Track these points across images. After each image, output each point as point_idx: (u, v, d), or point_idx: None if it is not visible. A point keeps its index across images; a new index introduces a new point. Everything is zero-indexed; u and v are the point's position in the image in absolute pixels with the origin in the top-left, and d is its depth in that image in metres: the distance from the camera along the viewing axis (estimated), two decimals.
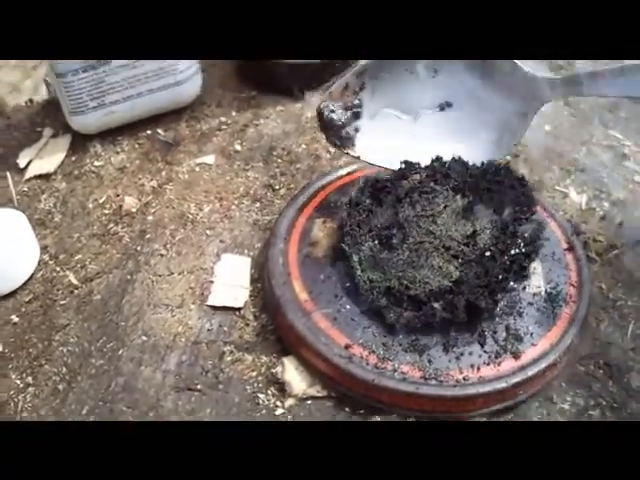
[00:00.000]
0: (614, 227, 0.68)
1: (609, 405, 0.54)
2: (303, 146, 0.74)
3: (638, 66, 0.53)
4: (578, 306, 0.57)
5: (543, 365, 0.53)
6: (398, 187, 0.59)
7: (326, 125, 0.60)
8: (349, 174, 0.67)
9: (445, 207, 0.58)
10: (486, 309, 0.53)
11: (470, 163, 0.61)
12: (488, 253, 0.55)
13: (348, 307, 0.55)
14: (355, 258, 0.55)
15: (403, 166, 0.61)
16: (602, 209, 0.70)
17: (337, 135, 0.60)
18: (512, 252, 0.55)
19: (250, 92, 0.82)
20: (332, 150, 0.74)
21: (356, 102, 0.60)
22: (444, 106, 0.61)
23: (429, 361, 0.52)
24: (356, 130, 0.60)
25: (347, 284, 0.57)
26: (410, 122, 0.62)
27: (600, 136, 0.80)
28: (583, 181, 0.74)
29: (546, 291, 0.58)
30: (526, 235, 0.56)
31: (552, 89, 0.57)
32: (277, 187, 0.70)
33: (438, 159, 0.62)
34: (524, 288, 0.57)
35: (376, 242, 0.56)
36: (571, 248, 0.62)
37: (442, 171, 0.61)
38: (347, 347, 0.53)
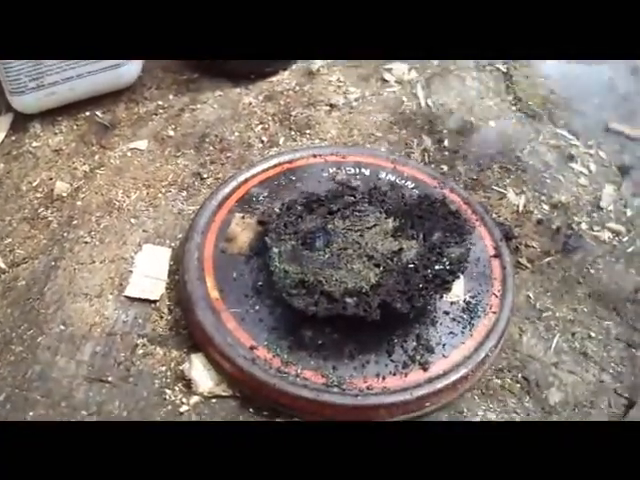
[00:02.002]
0: (550, 232, 0.62)
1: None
2: (236, 134, 0.69)
3: None
4: (498, 317, 0.52)
5: (452, 378, 0.48)
6: (332, 203, 0.55)
7: None
8: (275, 166, 0.61)
9: (375, 226, 0.53)
10: (401, 312, 0.47)
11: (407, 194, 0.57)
12: (411, 265, 0.50)
13: (257, 307, 0.51)
14: (275, 250, 0.51)
15: (342, 189, 0.57)
16: (540, 212, 0.64)
17: None
18: (436, 267, 0.50)
19: (191, 74, 0.75)
20: (264, 139, 0.68)
21: None
22: None
23: (333, 367, 0.48)
24: None
25: (259, 283, 0.52)
26: None
27: (547, 135, 0.73)
28: (523, 181, 0.67)
29: (465, 300, 0.53)
30: (453, 256, 0.50)
31: None
32: (205, 176, 0.64)
33: (376, 187, 0.57)
34: (442, 296, 0.51)
35: (299, 242, 0.52)
36: (498, 255, 0.56)
37: (378, 197, 0.56)
38: (252, 349, 0.49)
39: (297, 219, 0.53)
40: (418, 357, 0.49)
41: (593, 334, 0.55)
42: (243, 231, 0.56)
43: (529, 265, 0.59)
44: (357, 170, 0.61)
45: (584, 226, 0.63)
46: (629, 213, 0.64)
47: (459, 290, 0.53)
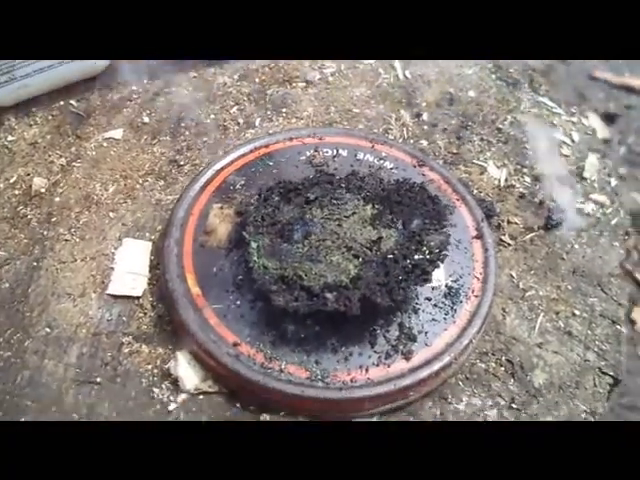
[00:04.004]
0: (533, 206, 0.59)
1: (507, 405, 0.48)
2: (212, 116, 0.66)
3: None
4: (480, 302, 0.50)
5: (436, 367, 0.47)
6: (309, 191, 0.53)
7: None
8: (252, 151, 0.59)
9: (353, 214, 0.51)
10: (382, 306, 0.46)
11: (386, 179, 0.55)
12: (391, 256, 0.48)
13: (238, 303, 0.49)
14: (253, 245, 0.49)
15: (319, 175, 0.55)
16: (522, 185, 0.61)
17: None
18: (416, 257, 0.48)
19: None
20: (240, 121, 0.65)
21: None
22: None
23: (316, 361, 0.47)
24: None
25: (239, 277, 0.51)
26: None
27: (528, 103, 0.69)
28: (505, 154, 0.64)
29: (446, 285, 0.51)
30: (432, 244, 0.48)
31: None
32: (182, 163, 0.62)
33: (354, 173, 0.55)
34: (422, 286, 0.49)
35: (277, 234, 0.50)
36: (479, 236, 0.54)
37: (356, 183, 0.54)
38: (235, 345, 0.47)
39: (274, 210, 0.51)
40: (401, 347, 0.48)
41: (577, 312, 0.53)
42: (221, 223, 0.54)
43: (512, 242, 0.57)
44: (335, 152, 0.59)
45: (567, 198, 0.60)
46: (613, 183, 0.62)
47: (440, 274, 0.51)
